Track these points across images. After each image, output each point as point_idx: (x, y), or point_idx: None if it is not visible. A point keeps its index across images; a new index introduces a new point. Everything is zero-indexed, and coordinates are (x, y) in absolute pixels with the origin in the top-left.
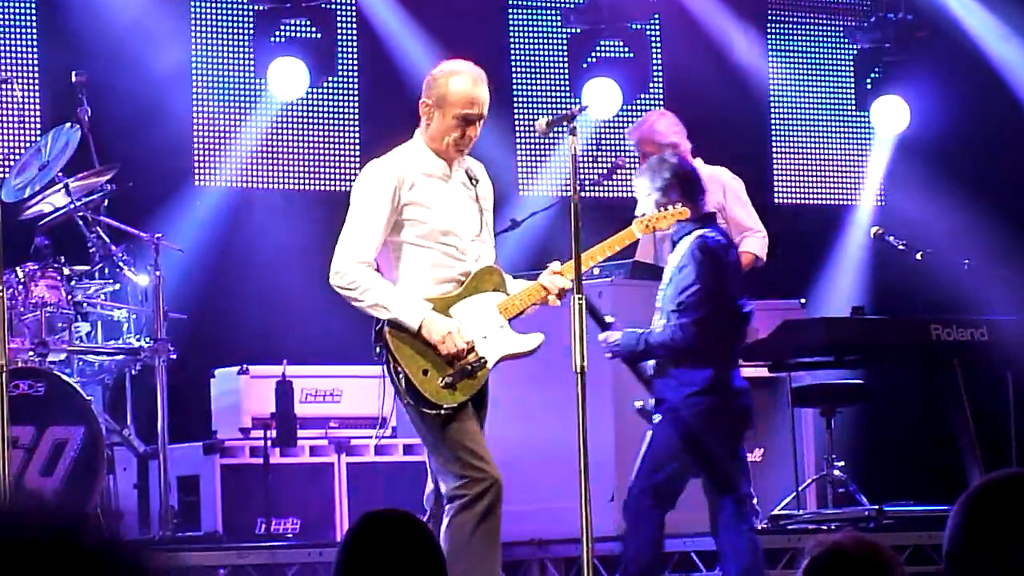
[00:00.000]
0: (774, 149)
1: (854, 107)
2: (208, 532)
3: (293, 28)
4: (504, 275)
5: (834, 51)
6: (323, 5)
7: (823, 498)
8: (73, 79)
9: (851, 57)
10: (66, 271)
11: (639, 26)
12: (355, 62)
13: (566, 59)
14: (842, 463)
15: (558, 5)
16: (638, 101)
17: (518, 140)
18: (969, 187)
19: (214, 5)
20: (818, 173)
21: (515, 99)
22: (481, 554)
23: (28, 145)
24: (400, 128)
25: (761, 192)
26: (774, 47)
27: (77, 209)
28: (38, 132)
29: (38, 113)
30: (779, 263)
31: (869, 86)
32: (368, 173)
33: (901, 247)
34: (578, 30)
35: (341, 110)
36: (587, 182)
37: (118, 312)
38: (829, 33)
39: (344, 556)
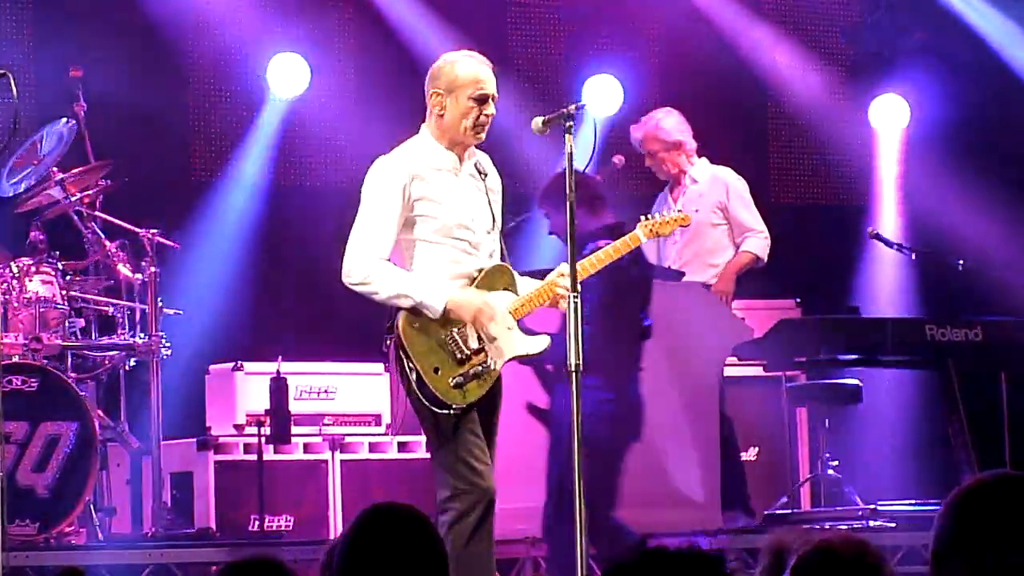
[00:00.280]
0: (770, 148)
1: (852, 106)
2: (201, 529)
3: (292, 23)
4: (514, 274)
5: (831, 50)
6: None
7: (817, 497)
8: (70, 74)
9: (848, 56)
10: (61, 266)
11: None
12: (352, 57)
13: (564, 57)
14: (836, 462)
15: (558, 6)
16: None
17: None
18: (971, 183)
19: None
20: (814, 173)
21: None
22: (475, 566)
23: (24, 140)
24: (397, 124)
25: (757, 192)
26: (772, 45)
27: (72, 204)
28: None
29: (34, 107)
30: (774, 263)
31: (867, 85)
32: (377, 169)
33: (896, 247)
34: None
35: (337, 106)
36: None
37: (113, 308)
38: (827, 32)
39: (349, 548)
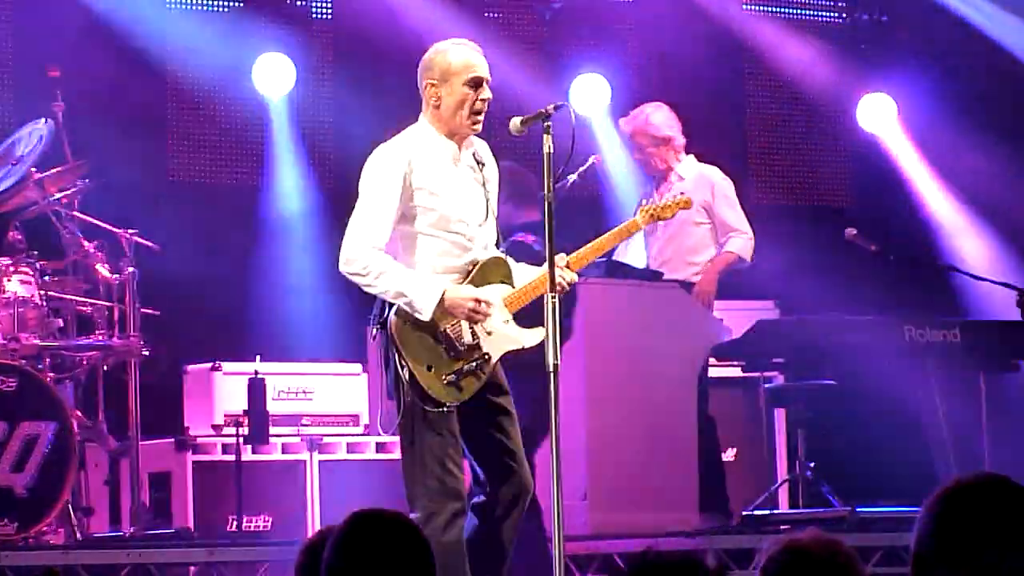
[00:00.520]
0: (749, 149)
1: (833, 107)
2: (179, 529)
3: (271, 24)
4: (511, 266)
5: (820, 47)
6: (298, 3)
7: (795, 498)
8: (48, 74)
9: (829, 54)
10: (39, 266)
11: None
12: (330, 58)
13: (543, 56)
14: (814, 464)
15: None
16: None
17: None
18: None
19: None
20: (793, 173)
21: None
22: (450, 564)
23: (1, 140)
24: (381, 124)
25: (736, 191)
26: (750, 46)
27: (50, 204)
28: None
29: (12, 107)
30: (754, 263)
31: (849, 85)
32: (376, 157)
33: (874, 248)
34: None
35: (315, 107)
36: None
37: (91, 308)
38: (807, 30)
39: (339, 553)
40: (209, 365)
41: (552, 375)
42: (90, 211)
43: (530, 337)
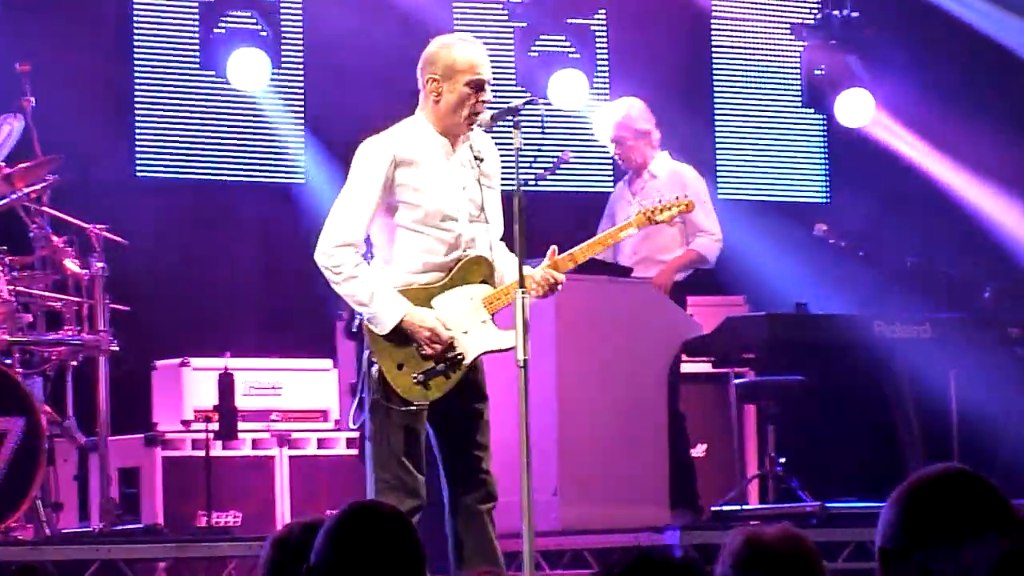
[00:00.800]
0: (717, 145)
1: (801, 103)
2: (149, 525)
3: (239, 20)
4: (493, 266)
5: (780, 47)
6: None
7: (765, 494)
8: (17, 69)
9: (797, 53)
10: (8, 261)
11: (583, 21)
12: (300, 55)
13: (513, 52)
14: (784, 459)
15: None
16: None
17: None
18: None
19: None
20: (761, 169)
21: None
22: None
23: None
24: (349, 123)
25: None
26: (719, 43)
27: (19, 199)
28: None
29: None
30: (722, 259)
31: (815, 83)
32: (363, 150)
33: (843, 245)
34: (524, 24)
35: (286, 102)
36: (533, 177)
37: (60, 303)
38: (775, 28)
39: (331, 545)
40: (178, 361)
41: (523, 370)
42: (59, 206)
43: (508, 338)
